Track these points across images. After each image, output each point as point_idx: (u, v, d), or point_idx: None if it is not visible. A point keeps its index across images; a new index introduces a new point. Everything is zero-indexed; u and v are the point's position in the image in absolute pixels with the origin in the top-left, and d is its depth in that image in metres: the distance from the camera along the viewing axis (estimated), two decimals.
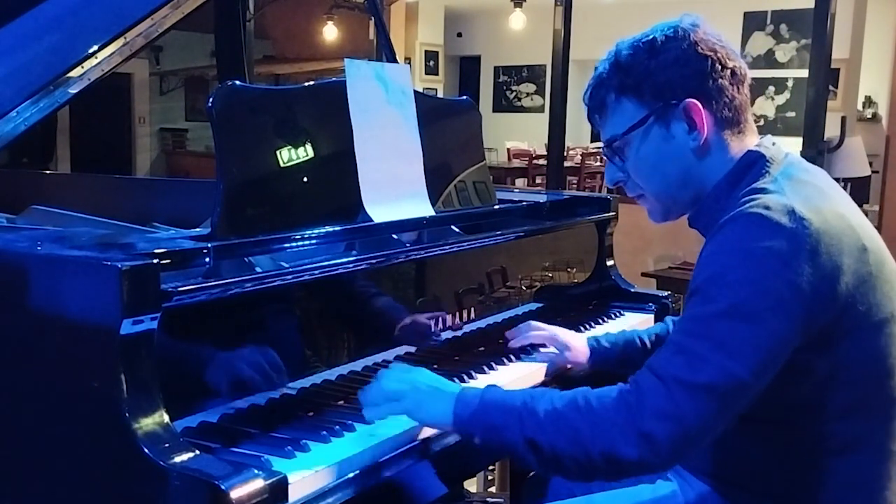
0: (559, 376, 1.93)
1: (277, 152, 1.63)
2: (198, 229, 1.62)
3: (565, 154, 6.48)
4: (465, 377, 1.74)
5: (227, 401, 1.43)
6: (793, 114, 10.34)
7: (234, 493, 1.12)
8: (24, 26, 1.96)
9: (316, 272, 1.54)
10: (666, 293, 2.49)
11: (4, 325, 1.34)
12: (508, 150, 11.01)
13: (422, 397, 1.43)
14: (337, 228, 1.67)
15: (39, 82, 1.87)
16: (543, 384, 1.87)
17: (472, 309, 1.96)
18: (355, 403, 1.54)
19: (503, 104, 13.64)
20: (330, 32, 9.70)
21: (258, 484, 1.16)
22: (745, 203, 1.31)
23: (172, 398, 1.25)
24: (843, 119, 5.83)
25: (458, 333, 1.92)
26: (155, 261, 1.25)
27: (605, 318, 2.28)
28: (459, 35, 13.49)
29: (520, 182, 10.02)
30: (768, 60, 10.59)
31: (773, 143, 1.44)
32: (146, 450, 1.17)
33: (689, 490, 1.52)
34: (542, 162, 8.65)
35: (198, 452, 1.20)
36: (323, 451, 1.35)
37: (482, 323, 2.01)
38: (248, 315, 1.49)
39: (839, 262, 1.27)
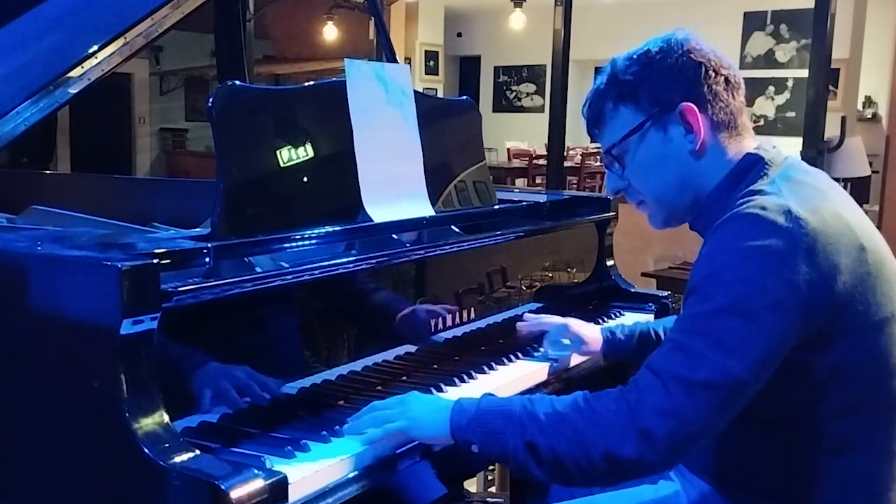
0: (561, 378, 1.93)
1: (277, 152, 1.63)
2: (198, 229, 1.62)
3: (565, 154, 6.48)
4: (466, 377, 1.74)
5: (228, 401, 1.43)
6: (793, 114, 10.34)
7: (234, 493, 1.12)
8: (24, 26, 1.96)
9: (316, 272, 1.54)
10: (666, 293, 2.49)
11: (4, 325, 1.34)
12: (508, 150, 11.00)
13: (417, 414, 1.43)
14: (337, 228, 1.67)
15: (39, 82, 1.87)
16: (545, 384, 1.88)
17: (472, 309, 1.96)
18: (355, 403, 1.54)
19: (503, 104, 13.63)
20: (330, 32, 9.69)
21: (258, 484, 1.16)
22: (743, 204, 1.32)
23: (172, 398, 1.25)
24: (843, 119, 5.83)
25: (458, 333, 1.92)
26: (155, 261, 1.25)
27: (605, 318, 2.28)
28: (459, 35, 13.48)
29: (520, 182, 10.01)
30: (768, 60, 10.59)
31: (774, 147, 1.46)
32: (146, 450, 1.17)
33: (691, 489, 1.53)
34: (542, 162, 8.65)
35: (198, 452, 1.20)
36: (323, 451, 1.35)
37: (482, 323, 2.01)
38: (248, 315, 1.49)
39: (836, 262, 1.27)
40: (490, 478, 3.07)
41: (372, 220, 1.74)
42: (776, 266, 1.24)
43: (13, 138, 1.87)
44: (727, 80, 1.43)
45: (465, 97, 2.26)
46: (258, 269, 1.50)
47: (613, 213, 2.47)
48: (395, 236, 1.80)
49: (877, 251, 1.34)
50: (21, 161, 5.85)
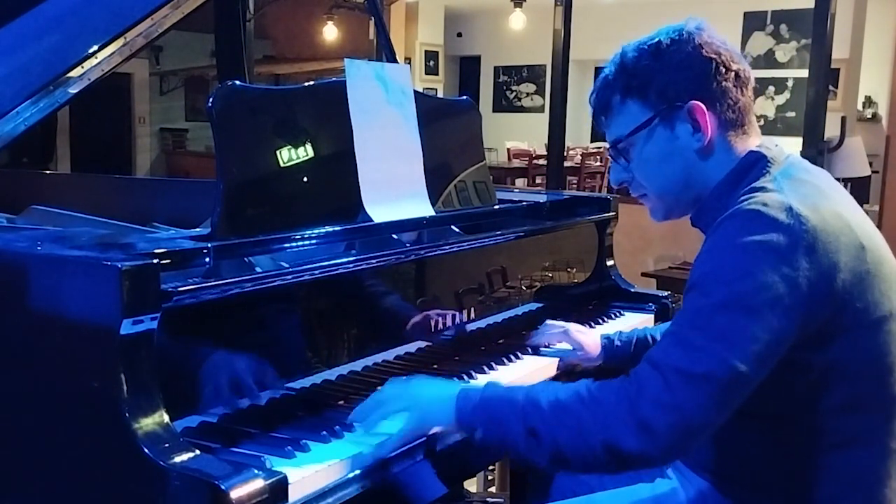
0: (561, 378, 1.93)
1: (277, 152, 1.63)
2: (198, 229, 1.62)
3: (565, 154, 6.48)
4: (466, 377, 1.74)
5: (228, 401, 1.43)
6: (793, 114, 10.34)
7: (234, 493, 1.12)
8: (24, 26, 1.96)
9: (316, 272, 1.54)
10: (666, 293, 2.49)
11: (4, 325, 1.34)
12: (508, 150, 11.01)
13: (423, 402, 1.44)
14: (337, 228, 1.67)
15: (39, 82, 1.88)
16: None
17: (472, 309, 1.96)
18: (355, 403, 1.54)
19: (503, 104, 13.64)
20: (330, 32, 9.70)
21: (258, 484, 1.16)
22: (744, 201, 1.32)
23: (172, 398, 1.25)
24: (843, 119, 5.82)
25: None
26: (155, 261, 1.26)
27: (605, 318, 2.28)
28: (459, 35, 13.49)
29: (520, 182, 10.01)
30: (768, 60, 10.58)
31: (776, 145, 1.46)
32: (146, 450, 1.17)
33: (689, 487, 1.53)
34: (542, 162, 8.65)
35: (198, 452, 1.20)
36: (323, 451, 1.35)
37: (482, 323, 2.01)
38: (247, 315, 1.49)
39: (836, 260, 1.27)
40: (490, 478, 3.07)
41: (372, 220, 1.74)
42: (777, 262, 1.25)
43: (13, 138, 1.87)
44: (737, 76, 1.42)
45: (465, 97, 2.26)
46: (258, 269, 1.50)
47: (613, 213, 2.47)
48: (395, 236, 1.80)
49: (876, 250, 1.35)
50: (21, 161, 5.85)
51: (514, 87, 13.58)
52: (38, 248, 1.37)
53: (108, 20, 1.97)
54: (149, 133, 10.45)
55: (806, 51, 9.10)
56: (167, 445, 1.19)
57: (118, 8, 2.00)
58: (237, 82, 1.60)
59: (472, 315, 1.96)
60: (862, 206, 1.49)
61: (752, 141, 1.46)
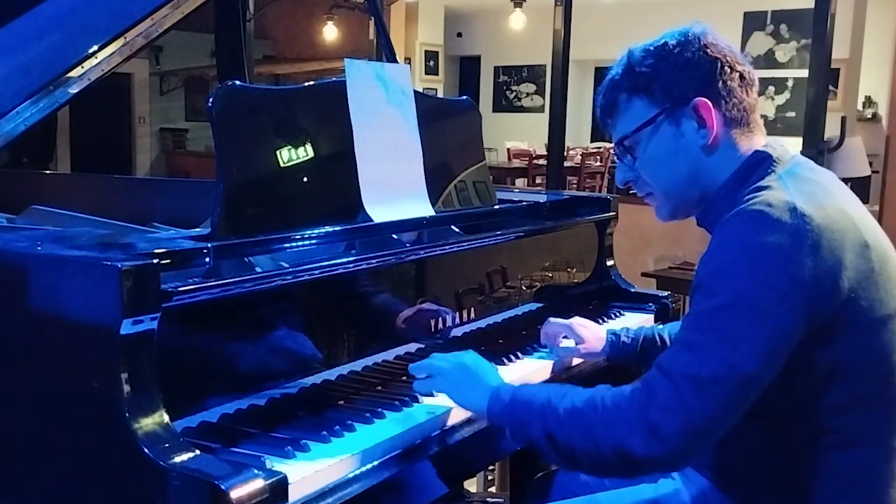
0: (561, 378, 1.93)
1: (277, 152, 1.63)
2: (198, 229, 1.62)
3: (565, 154, 6.48)
4: None
5: (228, 400, 1.43)
6: (793, 114, 10.34)
7: (234, 493, 1.12)
8: (24, 26, 1.96)
9: (316, 272, 1.54)
10: (666, 293, 2.49)
11: (4, 325, 1.34)
12: (508, 150, 11.00)
13: (463, 382, 1.53)
14: (337, 228, 1.67)
15: (39, 82, 1.88)
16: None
17: (472, 309, 1.96)
18: (355, 403, 1.54)
19: (503, 104, 13.64)
20: (330, 32, 9.70)
21: (258, 484, 1.16)
22: (749, 200, 1.33)
23: (172, 398, 1.25)
24: (843, 119, 5.82)
25: (458, 333, 1.92)
26: (155, 261, 1.26)
27: (605, 319, 2.28)
28: (459, 35, 13.49)
29: (520, 182, 10.00)
30: (768, 60, 10.58)
31: (782, 145, 1.47)
32: (146, 450, 1.17)
33: (692, 486, 1.53)
34: (542, 162, 8.64)
35: (198, 452, 1.20)
36: (323, 451, 1.35)
37: (482, 323, 2.01)
38: (247, 315, 1.49)
39: (841, 257, 1.28)
40: (490, 478, 3.07)
41: (372, 220, 1.74)
42: (781, 262, 1.25)
43: (13, 138, 1.87)
44: (742, 77, 1.44)
45: (465, 97, 2.26)
46: (258, 269, 1.50)
47: (613, 213, 2.46)
48: (395, 236, 1.80)
49: (880, 248, 1.35)
50: (21, 161, 5.85)
51: (514, 87, 13.58)
52: (38, 248, 1.37)
53: (108, 20, 1.97)
54: (149, 133, 10.44)
55: (806, 51, 9.10)
56: (167, 445, 1.19)
57: (118, 8, 2.00)
58: (237, 82, 1.60)
59: (472, 315, 1.96)
60: None
61: (758, 140, 1.46)
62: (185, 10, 2.04)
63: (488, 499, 2.84)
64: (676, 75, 1.43)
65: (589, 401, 1.35)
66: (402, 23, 10.36)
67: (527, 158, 10.20)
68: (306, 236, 1.59)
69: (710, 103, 1.41)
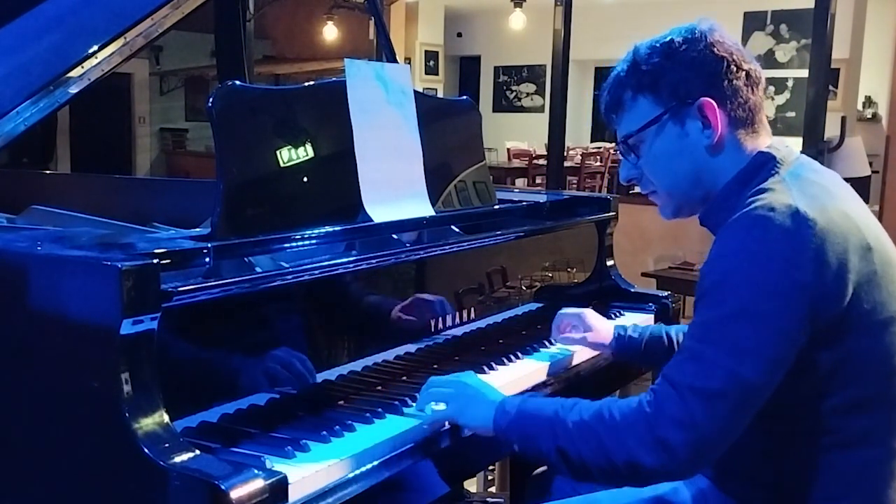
0: (561, 378, 1.93)
1: (277, 152, 1.63)
2: (198, 229, 1.62)
3: (565, 154, 6.48)
4: None
5: (228, 400, 1.43)
6: (793, 114, 10.34)
7: (234, 493, 1.12)
8: (24, 26, 1.96)
9: (316, 272, 1.54)
10: (666, 293, 2.49)
11: (4, 325, 1.34)
12: (508, 150, 11.00)
13: (466, 402, 1.50)
14: (337, 228, 1.67)
15: (39, 82, 1.88)
16: (545, 384, 1.88)
17: (473, 309, 1.96)
18: (355, 403, 1.54)
19: (503, 104, 13.64)
20: (330, 32, 9.70)
21: (258, 484, 1.16)
22: (751, 203, 1.32)
23: (172, 398, 1.25)
24: (843, 119, 5.82)
25: (458, 333, 1.92)
26: (155, 261, 1.25)
27: (606, 318, 2.27)
28: (459, 35, 13.49)
29: (520, 182, 10.00)
30: (768, 60, 10.57)
31: (786, 146, 1.46)
32: (146, 450, 1.17)
33: (691, 485, 1.53)
34: (542, 162, 8.64)
35: (198, 452, 1.20)
36: (323, 451, 1.35)
37: (482, 323, 2.01)
38: (247, 315, 1.49)
39: (844, 260, 1.28)
40: (490, 478, 3.07)
41: (372, 220, 1.74)
42: (784, 268, 1.25)
43: (13, 138, 1.87)
44: (748, 76, 1.43)
45: (465, 97, 2.26)
46: (258, 269, 1.50)
47: (613, 213, 2.46)
48: (395, 236, 1.80)
49: (883, 251, 1.35)
50: (21, 161, 5.85)
51: (514, 87, 13.58)
52: (38, 248, 1.37)
53: (108, 20, 1.97)
54: (149, 133, 10.45)
55: (806, 51, 9.10)
56: (167, 445, 1.19)
57: (118, 8, 2.00)
58: (237, 82, 1.60)
59: (473, 315, 1.96)
60: None
61: (763, 140, 1.45)
62: (185, 10, 2.04)
63: (488, 499, 2.84)
64: (682, 74, 1.42)
65: (597, 414, 1.35)
66: (402, 23, 10.37)
67: (527, 158, 10.21)
68: (306, 236, 1.59)
69: (715, 104, 1.41)
